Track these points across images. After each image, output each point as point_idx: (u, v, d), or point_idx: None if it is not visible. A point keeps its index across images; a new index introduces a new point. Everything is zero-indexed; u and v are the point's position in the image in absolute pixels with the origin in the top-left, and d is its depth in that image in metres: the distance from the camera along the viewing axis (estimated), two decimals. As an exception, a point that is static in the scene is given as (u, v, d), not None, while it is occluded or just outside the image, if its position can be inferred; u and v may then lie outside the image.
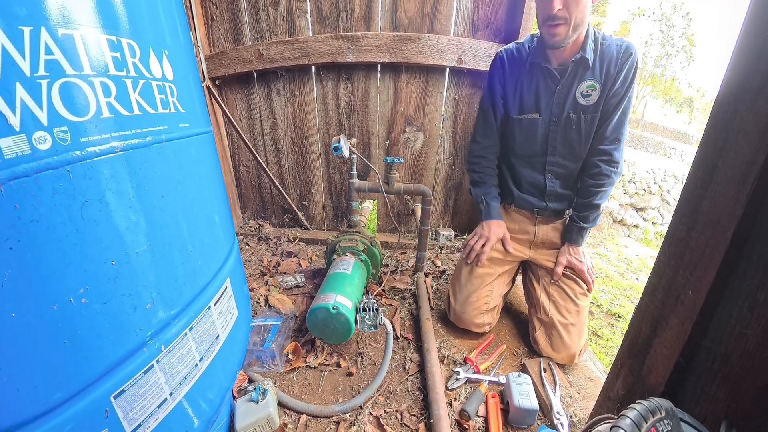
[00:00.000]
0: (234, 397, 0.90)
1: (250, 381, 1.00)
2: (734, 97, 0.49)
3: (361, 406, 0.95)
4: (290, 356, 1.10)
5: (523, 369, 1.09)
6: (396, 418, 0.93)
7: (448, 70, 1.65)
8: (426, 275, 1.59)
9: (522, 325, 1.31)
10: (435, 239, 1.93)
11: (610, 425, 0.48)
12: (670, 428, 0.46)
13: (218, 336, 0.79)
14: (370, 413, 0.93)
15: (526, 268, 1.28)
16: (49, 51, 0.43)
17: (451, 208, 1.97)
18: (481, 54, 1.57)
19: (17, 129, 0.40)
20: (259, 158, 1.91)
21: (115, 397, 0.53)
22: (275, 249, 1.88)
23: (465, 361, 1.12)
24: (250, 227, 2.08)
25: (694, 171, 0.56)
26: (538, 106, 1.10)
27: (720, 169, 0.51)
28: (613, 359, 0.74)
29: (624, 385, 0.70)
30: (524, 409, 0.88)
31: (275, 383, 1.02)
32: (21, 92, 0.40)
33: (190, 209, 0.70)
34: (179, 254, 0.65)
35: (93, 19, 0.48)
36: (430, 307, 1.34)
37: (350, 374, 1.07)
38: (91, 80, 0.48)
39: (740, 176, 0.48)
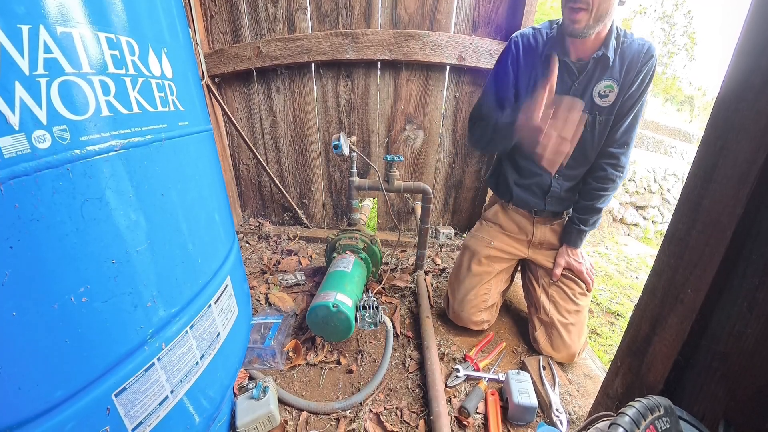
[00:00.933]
0: (235, 395, 0.90)
1: (251, 378, 1.00)
2: (735, 96, 0.49)
3: (361, 403, 0.95)
4: (291, 354, 1.11)
5: (523, 367, 1.09)
6: (396, 415, 0.93)
7: (448, 67, 1.65)
8: (426, 273, 1.59)
9: (521, 323, 1.32)
10: (435, 237, 1.94)
11: (608, 423, 0.48)
12: (668, 426, 0.46)
13: (219, 334, 0.79)
14: (370, 410, 0.94)
15: (525, 267, 1.28)
16: (47, 49, 0.42)
17: (451, 206, 1.97)
18: (481, 51, 1.56)
19: (16, 128, 0.40)
20: (258, 156, 1.91)
21: (116, 395, 0.53)
22: (275, 247, 1.88)
23: (465, 358, 1.12)
24: (250, 225, 2.09)
25: (694, 170, 0.56)
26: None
27: (720, 168, 0.51)
28: (613, 357, 0.74)
29: (623, 383, 0.70)
30: (523, 407, 0.88)
31: (276, 380, 1.02)
32: (20, 91, 0.40)
33: (190, 208, 0.70)
34: (179, 253, 0.65)
35: (91, 17, 0.48)
36: (430, 305, 1.34)
37: (350, 371, 1.07)
38: (90, 78, 0.48)
39: (740, 175, 0.48)
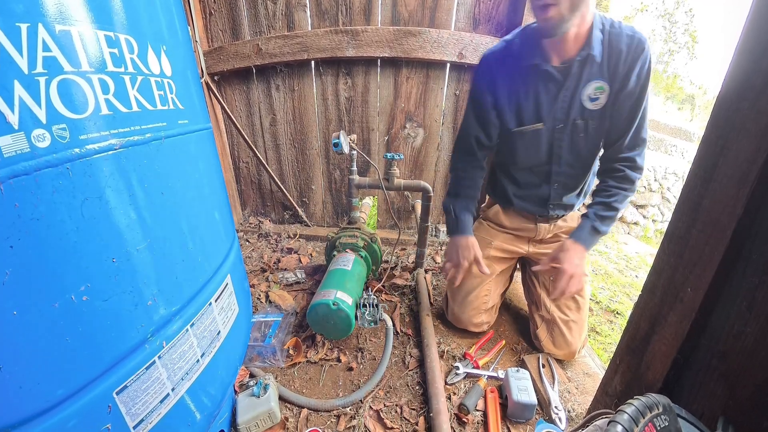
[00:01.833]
0: (236, 392, 0.90)
1: (252, 376, 1.00)
2: (736, 95, 0.49)
3: (361, 401, 0.96)
4: (291, 351, 1.11)
5: (522, 364, 1.09)
6: (396, 412, 0.94)
7: (448, 65, 1.64)
8: (426, 271, 1.60)
9: (521, 320, 1.32)
10: (435, 236, 1.94)
11: (607, 420, 0.48)
12: (667, 424, 0.47)
13: (219, 332, 0.79)
14: (371, 407, 0.94)
15: (525, 264, 1.28)
16: (46, 48, 0.42)
17: (451, 204, 1.97)
18: (482, 49, 1.55)
19: (16, 127, 0.40)
20: (258, 155, 1.90)
21: (117, 393, 0.53)
22: (275, 245, 1.88)
23: (464, 356, 1.12)
24: (251, 224, 2.09)
25: (694, 169, 0.56)
26: (539, 115, 0.97)
27: (721, 168, 0.51)
28: (612, 355, 0.74)
29: (622, 381, 0.71)
30: (523, 404, 0.89)
31: (276, 378, 1.03)
32: (19, 90, 0.40)
33: (190, 206, 0.70)
34: (180, 251, 0.65)
35: (90, 15, 0.48)
36: (430, 303, 1.34)
37: (350, 369, 1.08)
38: (90, 77, 0.47)
39: (741, 175, 0.48)
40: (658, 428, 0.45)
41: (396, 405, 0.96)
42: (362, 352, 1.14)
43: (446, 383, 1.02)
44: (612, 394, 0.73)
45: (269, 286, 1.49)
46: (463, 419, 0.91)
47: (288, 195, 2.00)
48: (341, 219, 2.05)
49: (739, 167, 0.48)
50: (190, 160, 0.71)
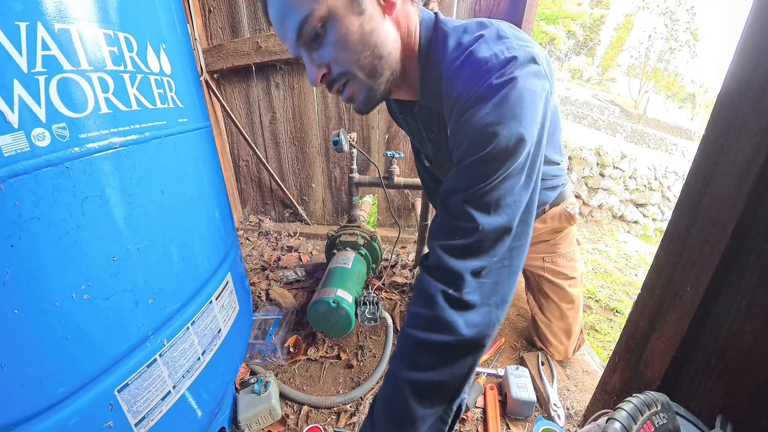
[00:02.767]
0: (237, 390, 0.91)
1: (253, 373, 1.01)
2: (737, 94, 0.49)
3: (361, 398, 0.96)
4: (292, 349, 1.12)
5: (521, 362, 1.10)
6: (396, 410, 0.94)
7: (449, 63, 1.63)
8: (426, 270, 1.60)
9: (520, 319, 1.33)
10: (435, 234, 1.94)
11: (606, 417, 0.48)
12: (665, 421, 0.47)
13: (220, 330, 0.80)
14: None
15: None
16: (45, 47, 0.42)
17: (451, 202, 1.97)
18: (482, 47, 1.55)
19: (16, 126, 0.40)
20: (258, 153, 1.90)
21: (119, 391, 0.53)
22: (276, 244, 1.88)
23: (464, 354, 1.13)
24: (251, 222, 2.09)
25: (694, 168, 0.56)
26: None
27: (721, 167, 0.51)
28: (611, 353, 0.75)
29: (621, 379, 0.71)
30: (522, 401, 0.89)
31: (277, 375, 1.03)
32: (19, 89, 0.40)
33: (190, 205, 0.70)
34: (180, 250, 0.65)
35: (89, 13, 0.47)
36: (430, 301, 1.34)
37: (351, 366, 1.08)
38: (89, 76, 0.47)
39: (741, 174, 0.48)
40: (657, 426, 0.46)
41: (396, 402, 0.96)
42: (362, 350, 1.14)
43: (446, 381, 1.02)
44: (611, 392, 0.74)
45: (269, 285, 1.49)
46: (463, 416, 0.92)
47: (288, 193, 2.00)
48: (341, 217, 2.05)
49: (739, 166, 0.48)
50: (190, 159, 0.71)
